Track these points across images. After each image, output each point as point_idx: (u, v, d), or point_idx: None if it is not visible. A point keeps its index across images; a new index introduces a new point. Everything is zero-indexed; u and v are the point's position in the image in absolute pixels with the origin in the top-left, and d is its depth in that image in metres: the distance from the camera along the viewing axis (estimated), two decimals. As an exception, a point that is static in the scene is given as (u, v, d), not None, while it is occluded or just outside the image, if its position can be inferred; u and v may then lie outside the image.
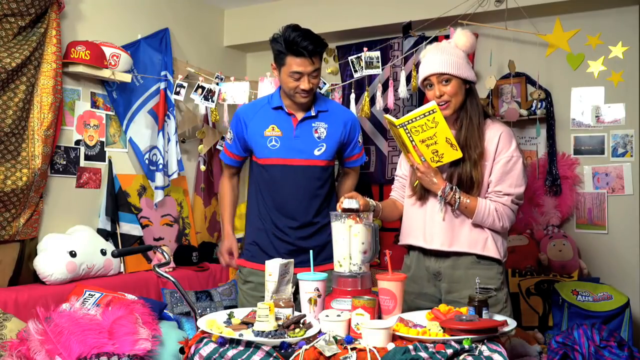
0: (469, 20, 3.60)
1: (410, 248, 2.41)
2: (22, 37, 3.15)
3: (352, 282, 1.98)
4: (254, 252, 2.63)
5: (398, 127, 2.18)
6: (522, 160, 2.26)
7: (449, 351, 1.66)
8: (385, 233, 4.22)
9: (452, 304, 2.02)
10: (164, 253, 2.59)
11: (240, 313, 1.99)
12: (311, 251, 2.15)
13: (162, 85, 3.93)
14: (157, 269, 2.30)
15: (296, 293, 2.13)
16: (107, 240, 3.61)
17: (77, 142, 3.60)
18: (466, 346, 1.68)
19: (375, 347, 1.66)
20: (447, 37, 3.17)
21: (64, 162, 3.51)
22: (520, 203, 2.28)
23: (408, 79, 3.77)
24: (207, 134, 4.23)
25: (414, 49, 3.91)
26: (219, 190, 2.97)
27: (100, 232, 3.64)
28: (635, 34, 3.65)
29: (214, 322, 1.85)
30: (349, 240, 2.01)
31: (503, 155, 2.23)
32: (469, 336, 1.70)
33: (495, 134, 2.25)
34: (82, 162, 3.62)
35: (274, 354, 1.66)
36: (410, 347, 1.67)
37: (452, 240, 2.25)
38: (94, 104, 3.70)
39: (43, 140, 3.22)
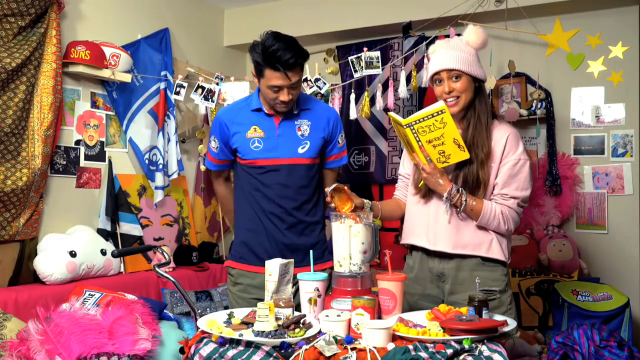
0: (469, 20, 3.59)
1: (412, 248, 2.38)
2: (22, 37, 3.15)
3: (352, 282, 1.98)
4: (242, 253, 2.58)
5: (405, 126, 2.13)
6: (529, 163, 2.23)
7: (449, 351, 1.65)
8: (385, 233, 4.22)
9: (454, 306, 2.00)
10: (164, 253, 2.58)
11: (240, 313, 1.98)
12: (311, 251, 2.14)
13: (162, 85, 3.93)
14: (157, 269, 2.30)
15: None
16: (107, 240, 3.61)
17: (77, 142, 3.60)
18: (466, 346, 1.68)
19: (375, 347, 1.66)
20: (447, 37, 3.16)
21: (64, 162, 3.51)
22: (526, 206, 2.26)
23: (408, 79, 3.76)
24: (207, 134, 4.22)
25: (414, 49, 3.91)
26: (218, 198, 2.93)
27: (100, 232, 3.64)
28: (635, 34, 3.65)
29: (214, 322, 1.85)
30: (348, 240, 2.01)
31: (510, 158, 2.20)
32: (469, 336, 1.70)
33: (502, 136, 2.22)
34: (82, 162, 3.62)
35: (274, 354, 1.65)
36: (410, 347, 1.66)
37: (457, 242, 2.22)
38: (94, 104, 3.70)
39: (43, 140, 3.22)
